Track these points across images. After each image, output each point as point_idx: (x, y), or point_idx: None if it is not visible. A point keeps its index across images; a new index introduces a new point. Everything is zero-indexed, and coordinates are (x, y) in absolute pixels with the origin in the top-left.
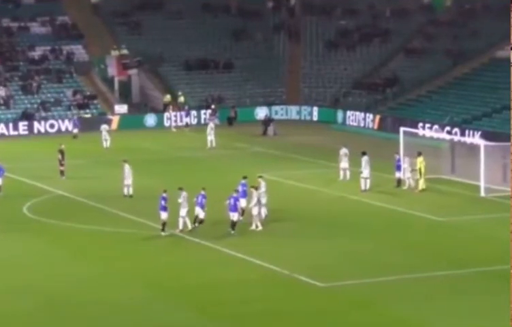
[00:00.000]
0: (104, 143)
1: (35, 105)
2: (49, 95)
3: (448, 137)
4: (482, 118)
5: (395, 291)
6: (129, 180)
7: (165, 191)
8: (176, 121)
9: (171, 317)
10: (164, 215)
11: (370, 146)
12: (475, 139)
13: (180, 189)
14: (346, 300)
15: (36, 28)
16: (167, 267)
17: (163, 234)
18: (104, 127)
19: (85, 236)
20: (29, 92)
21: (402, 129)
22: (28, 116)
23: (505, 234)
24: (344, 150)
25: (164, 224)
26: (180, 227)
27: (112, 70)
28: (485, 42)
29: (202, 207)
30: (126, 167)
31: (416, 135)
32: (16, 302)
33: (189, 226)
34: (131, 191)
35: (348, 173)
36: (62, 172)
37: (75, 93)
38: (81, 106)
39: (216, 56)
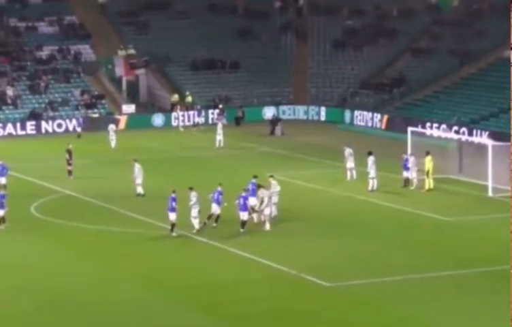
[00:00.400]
0: (111, 143)
1: (43, 105)
2: (56, 94)
3: (455, 137)
4: (489, 118)
5: (402, 291)
6: (139, 179)
7: (174, 192)
8: (183, 121)
9: (175, 317)
10: (173, 216)
11: (378, 146)
12: (483, 139)
13: (190, 188)
14: (352, 299)
15: (43, 28)
16: (174, 267)
17: (173, 234)
18: (111, 127)
19: (92, 236)
20: (37, 92)
21: (409, 128)
22: (35, 116)
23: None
24: (348, 150)
25: (173, 225)
26: (197, 226)
27: (120, 70)
28: (491, 42)
29: (218, 204)
30: (137, 166)
31: (423, 135)
32: (19, 301)
33: (196, 226)
34: (138, 190)
35: (354, 173)
36: (69, 172)
37: (82, 93)
38: (88, 106)
39: (223, 56)
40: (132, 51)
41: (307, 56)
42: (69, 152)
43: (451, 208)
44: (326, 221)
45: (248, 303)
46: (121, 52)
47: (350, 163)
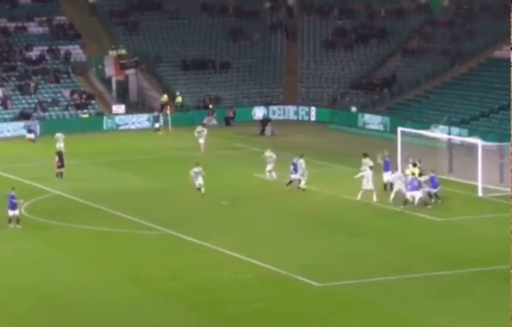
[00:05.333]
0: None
1: (33, 106)
2: (46, 95)
3: (445, 137)
4: (479, 118)
5: (393, 291)
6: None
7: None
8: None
9: (167, 317)
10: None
11: (368, 147)
12: (473, 139)
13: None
14: (343, 300)
15: (33, 28)
16: (164, 267)
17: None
18: (59, 135)
19: (82, 236)
20: (26, 92)
21: (399, 129)
22: (25, 116)
23: (503, 233)
24: (268, 153)
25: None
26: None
27: (110, 70)
28: (482, 42)
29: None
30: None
31: (414, 135)
32: (11, 302)
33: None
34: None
35: (274, 174)
36: (58, 174)
37: (72, 93)
38: (78, 106)
39: (214, 56)
40: (123, 51)
41: (297, 56)
42: (60, 154)
43: (442, 208)
44: (316, 221)
45: (240, 303)
46: (112, 52)
47: (269, 166)
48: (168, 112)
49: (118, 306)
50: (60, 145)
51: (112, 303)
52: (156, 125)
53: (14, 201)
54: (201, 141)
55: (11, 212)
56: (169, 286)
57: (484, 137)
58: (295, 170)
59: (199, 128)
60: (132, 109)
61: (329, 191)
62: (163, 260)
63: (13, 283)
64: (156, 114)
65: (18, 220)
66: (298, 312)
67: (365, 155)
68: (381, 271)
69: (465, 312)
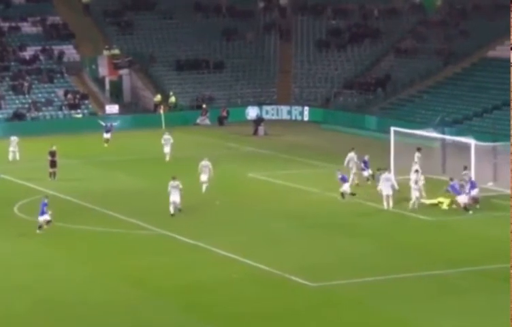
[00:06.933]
0: (11, 155)
1: (26, 105)
2: (40, 95)
3: (439, 137)
4: (473, 117)
5: (389, 291)
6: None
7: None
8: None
9: (161, 317)
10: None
11: (361, 146)
12: (466, 139)
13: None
14: (337, 300)
15: (27, 28)
16: (159, 267)
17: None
18: (14, 138)
19: (76, 236)
20: (20, 92)
21: (392, 129)
22: (19, 116)
23: (497, 233)
24: (204, 162)
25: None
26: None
27: (103, 70)
28: (475, 42)
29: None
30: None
31: (407, 135)
32: (5, 303)
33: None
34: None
35: (205, 186)
36: (51, 174)
37: (66, 93)
38: (72, 106)
39: (207, 56)
40: (117, 51)
41: (291, 56)
42: (52, 153)
43: (436, 209)
44: (310, 221)
45: (234, 303)
46: (106, 52)
47: (204, 176)
48: (161, 111)
49: (114, 305)
50: (14, 149)
51: (107, 303)
52: (107, 136)
53: (45, 208)
54: (167, 150)
55: (41, 218)
56: (164, 286)
57: (477, 137)
58: (366, 167)
59: (166, 135)
60: (125, 109)
61: (322, 191)
62: (157, 260)
63: (11, 283)
64: (108, 124)
65: (47, 222)
66: (293, 312)
67: (419, 149)
68: (375, 271)
69: (463, 312)
